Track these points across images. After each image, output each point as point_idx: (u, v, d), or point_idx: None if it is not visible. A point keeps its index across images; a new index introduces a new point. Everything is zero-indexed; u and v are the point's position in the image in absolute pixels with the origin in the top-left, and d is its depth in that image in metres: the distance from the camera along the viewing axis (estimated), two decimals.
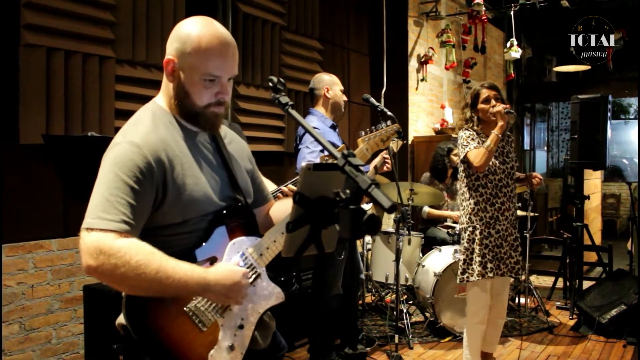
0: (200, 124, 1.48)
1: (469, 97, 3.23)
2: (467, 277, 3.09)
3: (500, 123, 3.02)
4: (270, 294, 1.50)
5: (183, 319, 1.36)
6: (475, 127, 3.15)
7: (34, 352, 2.89)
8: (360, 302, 4.60)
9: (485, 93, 3.13)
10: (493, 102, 3.10)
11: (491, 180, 3.10)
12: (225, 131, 1.62)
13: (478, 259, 3.06)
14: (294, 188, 2.56)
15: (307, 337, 3.46)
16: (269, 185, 2.77)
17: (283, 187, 2.53)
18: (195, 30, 1.42)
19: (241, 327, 1.44)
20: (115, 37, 3.19)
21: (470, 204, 3.11)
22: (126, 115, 3.19)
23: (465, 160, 3.10)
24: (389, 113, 3.20)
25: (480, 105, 3.14)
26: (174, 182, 1.38)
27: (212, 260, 1.42)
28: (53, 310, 2.98)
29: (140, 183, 1.32)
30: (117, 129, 3.10)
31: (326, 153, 2.78)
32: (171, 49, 1.44)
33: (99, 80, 3.09)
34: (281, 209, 1.68)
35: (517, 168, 3.26)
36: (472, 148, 3.06)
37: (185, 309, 1.37)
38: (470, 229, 3.10)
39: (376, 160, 3.20)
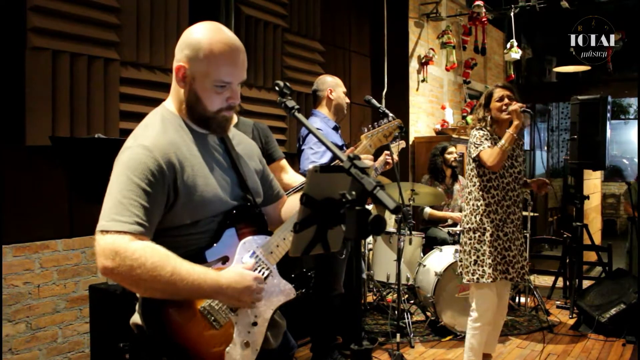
0: (211, 128, 1.50)
1: (482, 98, 3.20)
2: (478, 278, 3.04)
3: (515, 122, 2.97)
4: (281, 290, 1.53)
5: (198, 318, 1.39)
6: (488, 128, 3.10)
7: (40, 351, 2.92)
8: (362, 301, 4.63)
9: (499, 92, 3.11)
10: (507, 100, 3.07)
11: (501, 182, 3.07)
12: (233, 133, 1.64)
13: (489, 261, 3.01)
14: None
15: (310, 336, 3.49)
16: (300, 180, 2.84)
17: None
18: (206, 37, 1.43)
19: (255, 324, 1.47)
20: (120, 39, 3.22)
21: (481, 204, 3.07)
22: (130, 117, 3.26)
23: (477, 159, 3.05)
24: (391, 114, 3.22)
25: (494, 103, 3.10)
26: (185, 183, 1.40)
27: (224, 260, 1.45)
28: (59, 310, 3.01)
29: (152, 185, 1.34)
30: (121, 131, 3.18)
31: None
32: (181, 56, 1.45)
33: (103, 82, 3.12)
34: (291, 205, 1.72)
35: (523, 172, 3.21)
36: (485, 147, 3.01)
37: (200, 308, 1.40)
38: (481, 230, 3.06)
39: (377, 162, 3.23)
